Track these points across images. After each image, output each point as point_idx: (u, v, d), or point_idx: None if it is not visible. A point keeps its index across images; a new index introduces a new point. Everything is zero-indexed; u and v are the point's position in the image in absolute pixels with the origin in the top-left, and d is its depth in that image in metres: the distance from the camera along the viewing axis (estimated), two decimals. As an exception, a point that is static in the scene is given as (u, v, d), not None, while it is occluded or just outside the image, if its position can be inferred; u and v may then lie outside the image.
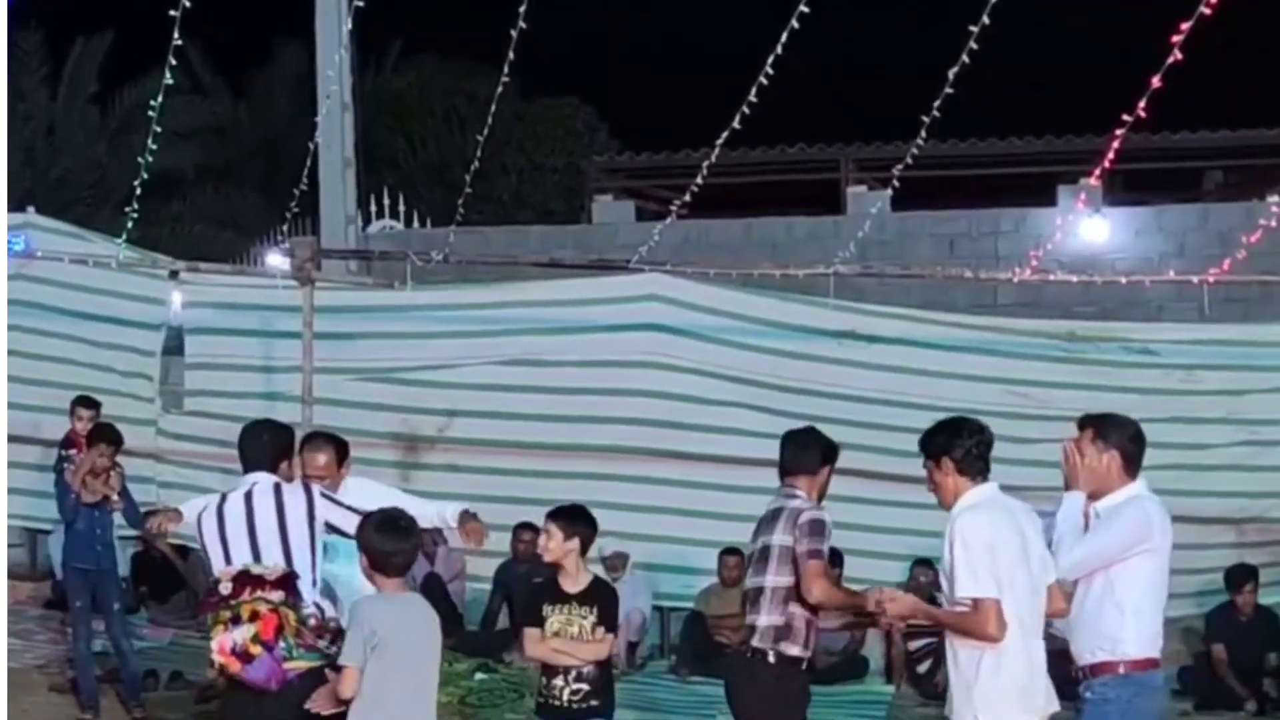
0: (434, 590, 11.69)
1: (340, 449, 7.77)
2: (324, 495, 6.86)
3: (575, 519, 7.36)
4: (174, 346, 14.24)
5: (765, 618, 7.08)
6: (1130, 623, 6.49)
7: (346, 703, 6.13)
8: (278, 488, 6.75)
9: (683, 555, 13.26)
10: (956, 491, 6.39)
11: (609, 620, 7.28)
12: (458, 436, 13.37)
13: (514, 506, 12.73)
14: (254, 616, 6.36)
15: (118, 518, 10.83)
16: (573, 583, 7.26)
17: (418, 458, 13.46)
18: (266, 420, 7.38)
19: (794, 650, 7.06)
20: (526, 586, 10.92)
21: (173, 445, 13.96)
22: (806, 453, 7.37)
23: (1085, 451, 6.73)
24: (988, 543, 6.12)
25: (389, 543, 6.28)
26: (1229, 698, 11.72)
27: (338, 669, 6.19)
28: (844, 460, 11.49)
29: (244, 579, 6.46)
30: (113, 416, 13.68)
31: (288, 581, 6.48)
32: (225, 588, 6.45)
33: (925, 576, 11.87)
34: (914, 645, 12.17)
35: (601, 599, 7.28)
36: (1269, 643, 12.14)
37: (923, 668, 12.40)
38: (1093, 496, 6.76)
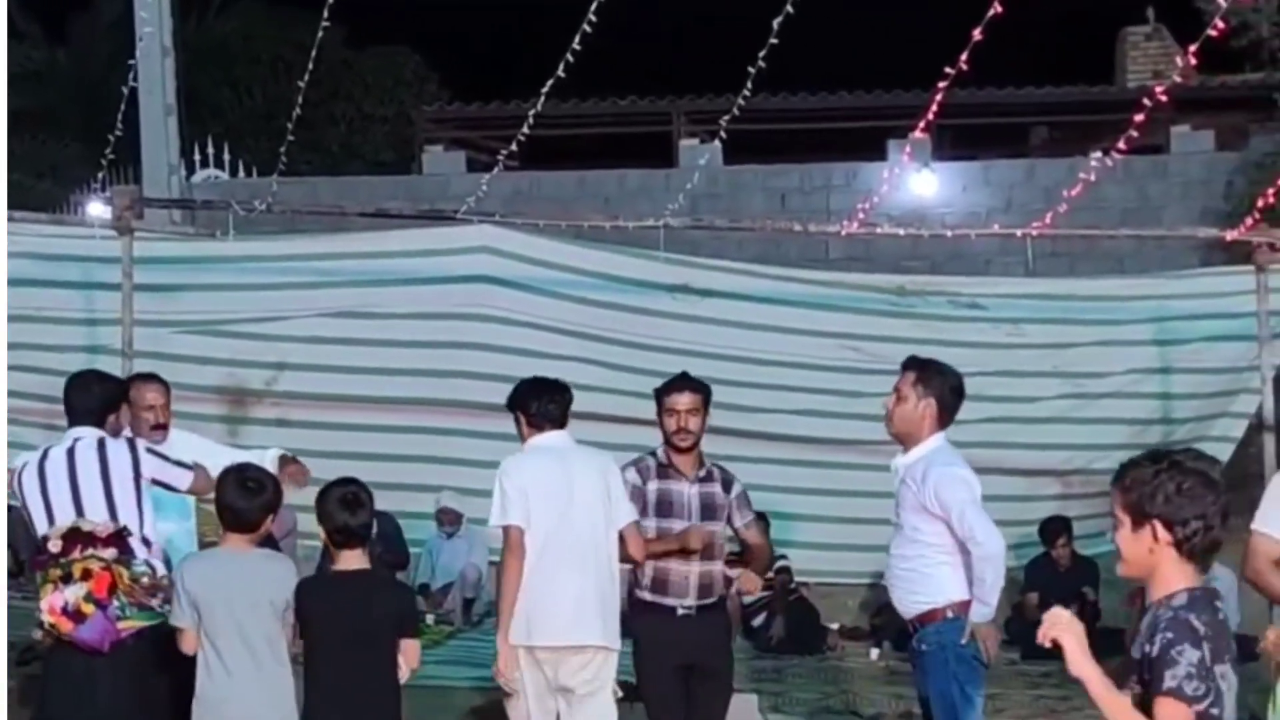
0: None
1: (167, 390, 7.74)
2: (150, 451, 6.69)
3: None
4: (-10, 299, 13.82)
5: None
6: (946, 567, 6.58)
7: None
8: (102, 443, 6.58)
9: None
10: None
11: None
12: (286, 390, 13.13)
13: (345, 461, 12.49)
14: (86, 575, 6.22)
15: None
16: None
17: (245, 412, 13.20)
18: (94, 371, 7.19)
19: (646, 596, 7.58)
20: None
21: (-10, 400, 13.56)
22: None
23: (904, 394, 6.79)
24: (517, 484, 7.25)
25: (234, 499, 6.21)
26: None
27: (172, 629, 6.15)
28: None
29: (74, 536, 6.30)
30: (-74, 371, 13.31)
31: (120, 538, 6.34)
32: (55, 545, 6.28)
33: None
34: (748, 600, 12.23)
35: None
36: (1085, 585, 12.41)
37: (757, 621, 12.49)
38: (899, 439, 6.84)
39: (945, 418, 6.80)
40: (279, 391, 13.12)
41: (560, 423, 7.66)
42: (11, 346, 13.40)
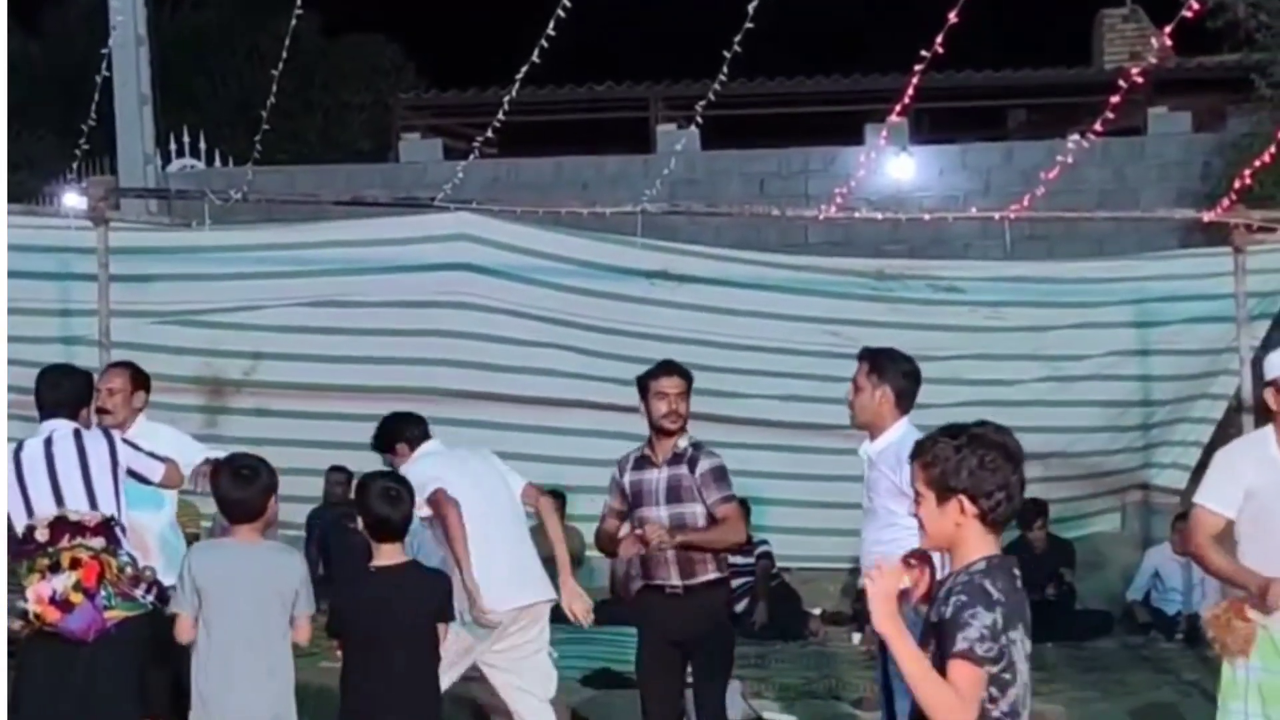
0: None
1: (137, 379, 7.79)
2: (125, 442, 6.69)
3: None
4: (-35, 291, 13.74)
5: None
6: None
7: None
8: (78, 434, 6.58)
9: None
10: None
11: None
12: (264, 380, 13.11)
13: (324, 450, 12.56)
14: (75, 564, 6.21)
15: None
16: None
17: (224, 402, 13.17)
18: (64, 366, 7.21)
19: (635, 584, 7.86)
20: (342, 529, 10.82)
21: (-32, 393, 13.49)
22: None
23: (861, 385, 6.88)
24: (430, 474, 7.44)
25: (231, 490, 6.23)
26: (1033, 629, 11.91)
27: (165, 618, 6.21)
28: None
29: (62, 525, 6.29)
30: (-99, 364, 13.22)
31: (107, 528, 6.32)
32: (42, 534, 6.27)
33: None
34: (732, 584, 12.21)
35: None
36: (1061, 567, 12.42)
37: (739, 607, 12.47)
38: (864, 428, 6.88)
39: (905, 403, 6.91)
40: (257, 381, 13.10)
41: (428, 436, 8.14)
42: (-13, 339, 13.47)
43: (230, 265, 12.96)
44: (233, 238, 13.06)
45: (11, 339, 13.06)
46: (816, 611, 12.65)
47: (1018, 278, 13.06)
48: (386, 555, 6.35)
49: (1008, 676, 3.98)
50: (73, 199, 16.02)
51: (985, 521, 4.06)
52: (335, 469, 12.39)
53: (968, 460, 4.04)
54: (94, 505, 6.42)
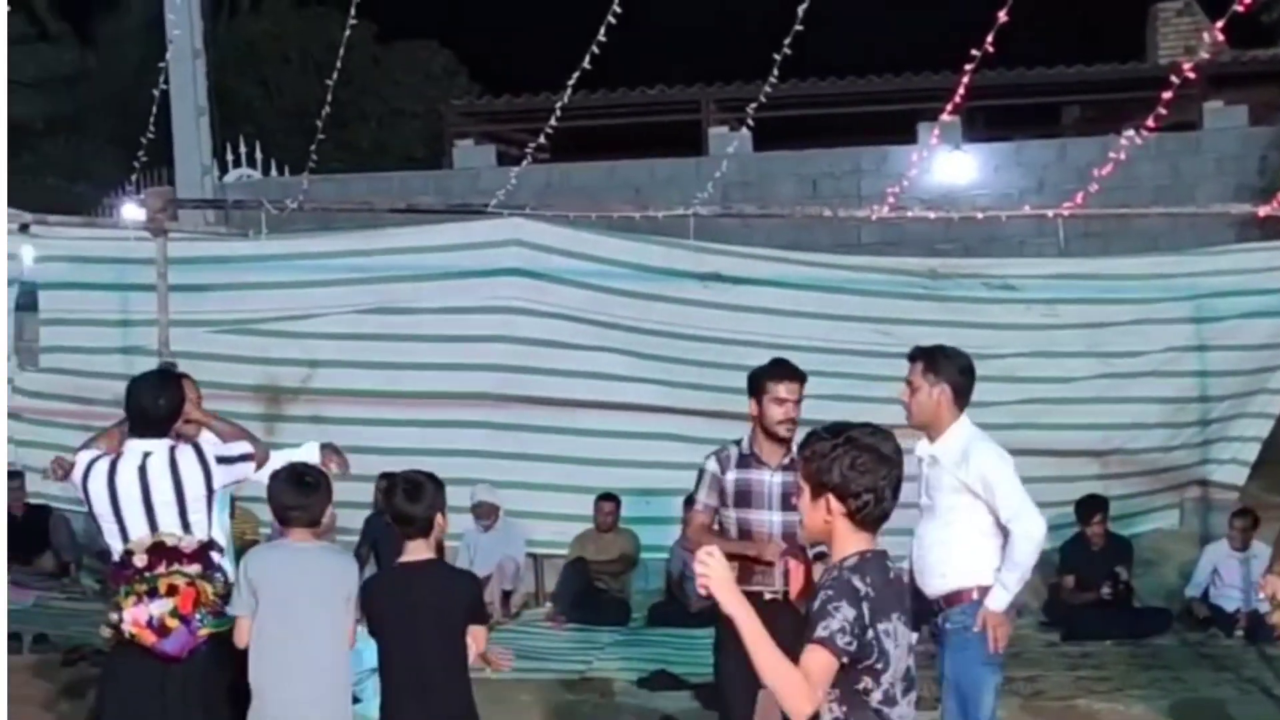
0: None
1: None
2: (220, 460, 6.53)
3: None
4: (27, 303, 13.89)
5: None
6: (982, 548, 6.57)
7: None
8: (174, 461, 6.41)
9: (553, 501, 13.22)
10: None
11: None
12: (320, 387, 13.20)
13: (379, 457, 12.58)
14: (172, 590, 6.20)
15: None
16: None
17: (281, 409, 13.27)
18: (156, 375, 6.96)
19: None
20: (392, 536, 10.82)
21: (29, 403, 13.62)
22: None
23: (917, 385, 6.78)
24: None
25: (291, 497, 6.26)
26: (1092, 627, 11.88)
27: None
28: (710, 402, 11.51)
29: (159, 551, 6.26)
30: (-36, 375, 13.39)
31: (204, 554, 6.34)
32: (140, 560, 6.25)
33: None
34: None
35: None
36: (1118, 565, 12.34)
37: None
38: (921, 428, 6.81)
39: (961, 400, 6.78)
40: (313, 388, 13.20)
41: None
42: (47, 349, 13.62)
43: (286, 273, 13.08)
44: (289, 246, 13.19)
45: (72, 349, 13.34)
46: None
47: (1072, 275, 13.01)
48: (412, 552, 6.30)
49: (880, 666, 4.10)
50: (131, 210, 16.23)
51: (854, 520, 4.16)
52: (385, 475, 12.42)
53: (840, 460, 4.14)
54: (186, 530, 6.41)
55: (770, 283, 12.80)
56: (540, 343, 12.93)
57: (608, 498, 12.84)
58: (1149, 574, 12.81)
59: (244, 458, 6.68)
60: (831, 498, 4.16)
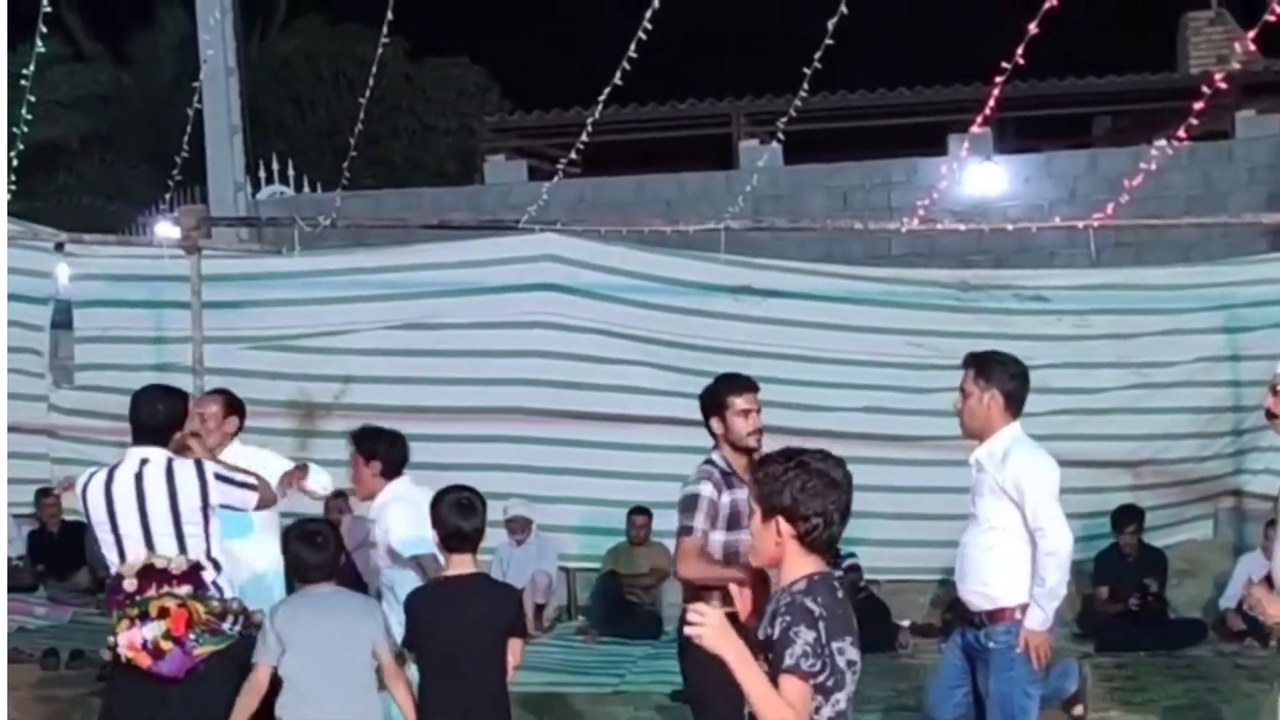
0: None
1: (231, 405, 7.91)
2: (219, 478, 6.63)
3: None
4: (63, 320, 14.00)
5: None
6: (1020, 557, 6.55)
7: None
8: (170, 471, 6.49)
9: (586, 515, 13.27)
10: None
11: None
12: (355, 402, 13.24)
13: (413, 472, 12.61)
14: (163, 613, 6.24)
15: None
16: None
17: (315, 425, 13.33)
18: (162, 387, 7.04)
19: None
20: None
21: (66, 420, 13.75)
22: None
23: (968, 391, 6.75)
24: None
25: (309, 556, 6.42)
26: (1126, 639, 11.84)
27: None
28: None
29: (149, 574, 6.31)
30: (1, 393, 13.47)
31: (194, 574, 6.38)
32: (130, 584, 6.31)
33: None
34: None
35: None
36: (1149, 576, 12.31)
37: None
38: (974, 435, 6.79)
39: (1014, 407, 6.72)
40: (347, 404, 13.25)
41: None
42: (83, 367, 13.72)
43: (320, 290, 13.16)
44: (322, 263, 13.26)
45: (108, 367, 13.43)
46: (906, 623, 12.61)
47: (1104, 285, 13.00)
48: (457, 565, 6.41)
49: (831, 683, 4.20)
50: (166, 228, 16.33)
51: (804, 543, 4.28)
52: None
53: (791, 483, 4.26)
54: (182, 546, 6.43)
55: (801, 295, 12.83)
56: (572, 357, 12.98)
57: (640, 511, 12.87)
58: (1183, 585, 12.78)
59: (246, 486, 6.78)
60: (782, 520, 4.28)
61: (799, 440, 12.41)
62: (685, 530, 6.85)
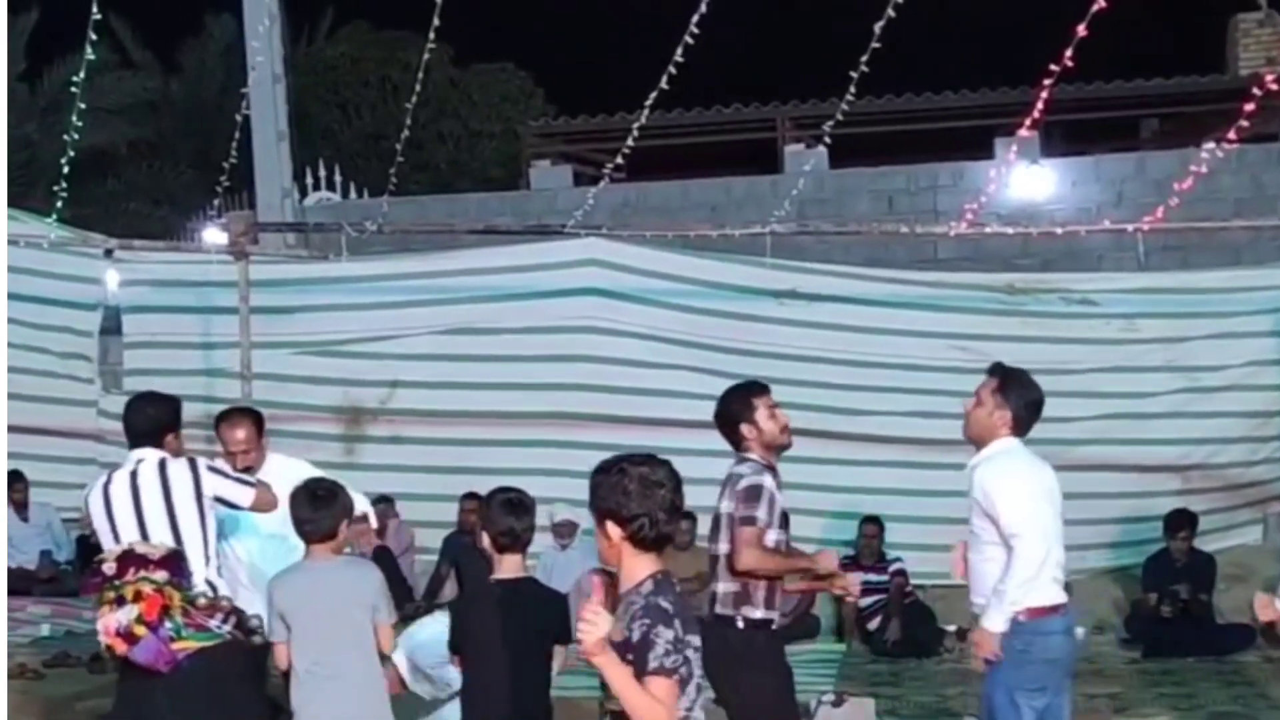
0: (384, 564, 11.60)
1: (258, 422, 7.75)
2: (211, 469, 6.76)
3: None
4: (112, 326, 14.09)
5: (723, 585, 6.89)
6: (1003, 567, 6.47)
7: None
8: (163, 465, 6.65)
9: (630, 520, 13.25)
10: None
11: None
12: (400, 408, 13.31)
13: (459, 476, 12.70)
14: (138, 597, 6.28)
15: None
16: None
17: (361, 430, 13.39)
18: (150, 393, 7.23)
19: (756, 614, 6.80)
20: (473, 556, 10.89)
21: (115, 426, 13.70)
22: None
23: (983, 399, 6.68)
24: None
25: (303, 511, 6.43)
26: (1173, 644, 11.76)
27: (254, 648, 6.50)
28: (790, 420, 11.40)
29: (128, 559, 6.38)
30: (52, 399, 13.56)
31: (172, 561, 6.41)
32: (109, 568, 6.37)
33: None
34: (864, 603, 12.19)
35: None
36: (1198, 584, 12.20)
37: (873, 625, 12.44)
38: (971, 441, 6.73)
39: (1019, 429, 6.63)
40: (393, 409, 13.31)
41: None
42: (132, 372, 13.80)
43: (366, 295, 13.21)
44: (368, 268, 13.31)
45: (156, 372, 13.50)
46: (951, 628, 12.55)
47: (1152, 289, 12.93)
48: (508, 568, 6.38)
49: (685, 672, 4.42)
50: (213, 234, 16.42)
51: (634, 543, 4.49)
52: (468, 496, 12.52)
53: (615, 488, 4.49)
54: (177, 536, 6.51)
55: (847, 299, 12.81)
56: (618, 361, 12.98)
57: (685, 516, 12.84)
58: (1232, 590, 12.68)
59: (243, 482, 6.83)
60: (610, 523, 4.49)
61: (846, 445, 12.44)
62: (748, 520, 6.77)
